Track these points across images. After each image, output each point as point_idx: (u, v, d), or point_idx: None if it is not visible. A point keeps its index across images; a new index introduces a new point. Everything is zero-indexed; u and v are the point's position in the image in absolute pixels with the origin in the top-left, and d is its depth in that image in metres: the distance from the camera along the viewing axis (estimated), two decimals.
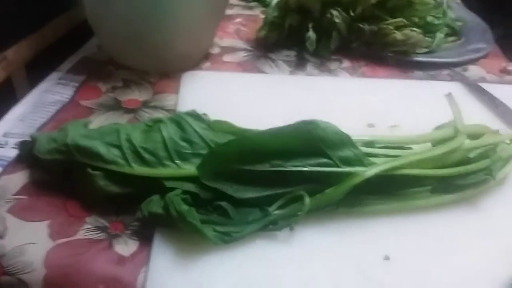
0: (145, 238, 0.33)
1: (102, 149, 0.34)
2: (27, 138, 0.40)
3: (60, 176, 0.36)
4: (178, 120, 0.35)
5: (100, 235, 0.33)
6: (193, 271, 0.31)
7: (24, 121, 0.44)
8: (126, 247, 0.33)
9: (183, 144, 0.34)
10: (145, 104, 0.48)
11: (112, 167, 0.34)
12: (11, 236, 0.32)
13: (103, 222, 0.34)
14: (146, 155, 0.34)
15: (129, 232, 0.34)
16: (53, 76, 0.52)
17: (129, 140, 0.34)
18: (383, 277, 0.31)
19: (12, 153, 0.40)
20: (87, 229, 0.33)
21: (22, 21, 0.53)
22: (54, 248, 0.32)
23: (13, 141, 0.41)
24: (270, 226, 0.33)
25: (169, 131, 0.35)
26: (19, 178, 0.37)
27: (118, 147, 0.34)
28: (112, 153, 0.34)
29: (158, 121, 0.36)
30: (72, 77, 0.52)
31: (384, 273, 0.32)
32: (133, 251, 0.32)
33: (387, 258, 0.32)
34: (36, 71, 0.53)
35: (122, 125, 0.36)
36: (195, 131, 0.35)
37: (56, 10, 0.60)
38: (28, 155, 0.38)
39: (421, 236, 0.34)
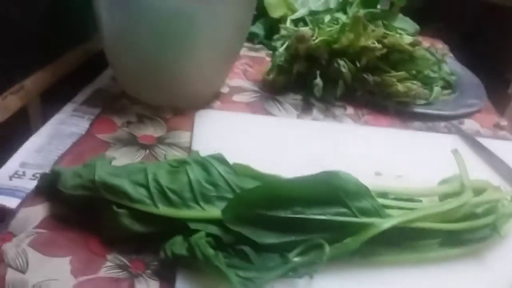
0: (165, 279, 0.34)
1: (129, 187, 0.35)
2: (45, 170, 0.41)
3: (82, 211, 0.36)
4: (203, 163, 0.36)
5: (122, 274, 0.33)
6: None
7: (40, 152, 0.44)
8: (147, 287, 0.33)
9: (208, 187, 0.35)
10: (160, 141, 0.49)
11: (138, 206, 0.34)
12: (33, 272, 0.32)
13: (123, 260, 0.34)
14: (172, 196, 0.35)
15: (149, 271, 0.34)
16: (68, 108, 0.52)
17: (156, 180, 0.35)
18: None
19: (30, 184, 0.40)
20: (109, 267, 0.34)
21: (40, 52, 0.54)
22: (77, 285, 0.32)
23: (30, 172, 0.42)
24: (290, 273, 0.34)
25: (195, 174, 0.36)
26: (39, 211, 0.37)
27: (145, 186, 0.35)
28: (138, 193, 0.35)
29: (184, 162, 0.37)
30: (87, 109, 0.53)
31: None
32: None
33: None
34: (50, 101, 0.54)
35: (148, 164, 0.37)
36: (220, 174, 0.36)
37: (73, 42, 0.61)
38: (48, 188, 0.38)
39: None
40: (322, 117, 0.60)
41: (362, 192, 0.35)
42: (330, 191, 0.35)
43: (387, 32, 0.60)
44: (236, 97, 0.62)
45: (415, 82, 0.62)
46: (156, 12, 0.47)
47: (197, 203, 0.35)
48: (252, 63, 0.73)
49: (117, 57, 0.55)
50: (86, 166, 0.37)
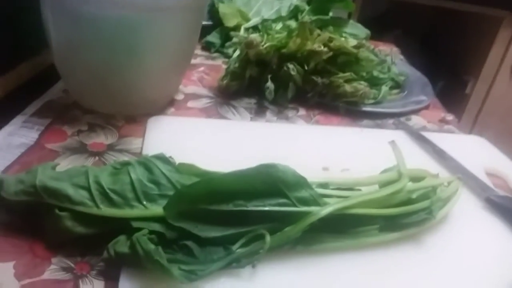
0: (110, 278, 0.34)
1: (70, 190, 0.35)
2: None
3: (26, 217, 0.37)
4: (146, 163, 0.37)
5: (66, 275, 0.34)
6: None
7: None
8: (92, 287, 0.33)
9: (151, 185, 0.36)
10: (111, 147, 0.50)
11: (80, 208, 0.35)
12: None
13: (68, 262, 0.35)
14: (114, 196, 0.35)
15: (94, 272, 0.34)
16: (18, 119, 0.52)
17: (98, 182, 0.35)
18: None
19: None
20: (53, 269, 0.34)
21: None
22: None
23: None
24: (233, 264, 0.34)
25: (137, 173, 0.36)
26: None
27: (86, 188, 0.35)
28: (80, 194, 0.35)
29: (127, 163, 0.38)
30: (37, 120, 0.53)
31: None
32: None
33: None
34: None
35: (90, 167, 0.37)
36: (163, 173, 0.37)
37: (23, 56, 0.61)
38: None
39: (374, 272, 0.37)
40: (275, 119, 0.62)
41: (300, 182, 0.37)
42: (269, 182, 0.36)
43: (333, 36, 0.63)
44: (191, 103, 0.63)
45: (362, 82, 0.65)
46: (101, 21, 0.48)
47: (140, 202, 0.35)
48: (209, 70, 0.75)
49: (67, 68, 0.55)
50: (28, 173, 0.37)
